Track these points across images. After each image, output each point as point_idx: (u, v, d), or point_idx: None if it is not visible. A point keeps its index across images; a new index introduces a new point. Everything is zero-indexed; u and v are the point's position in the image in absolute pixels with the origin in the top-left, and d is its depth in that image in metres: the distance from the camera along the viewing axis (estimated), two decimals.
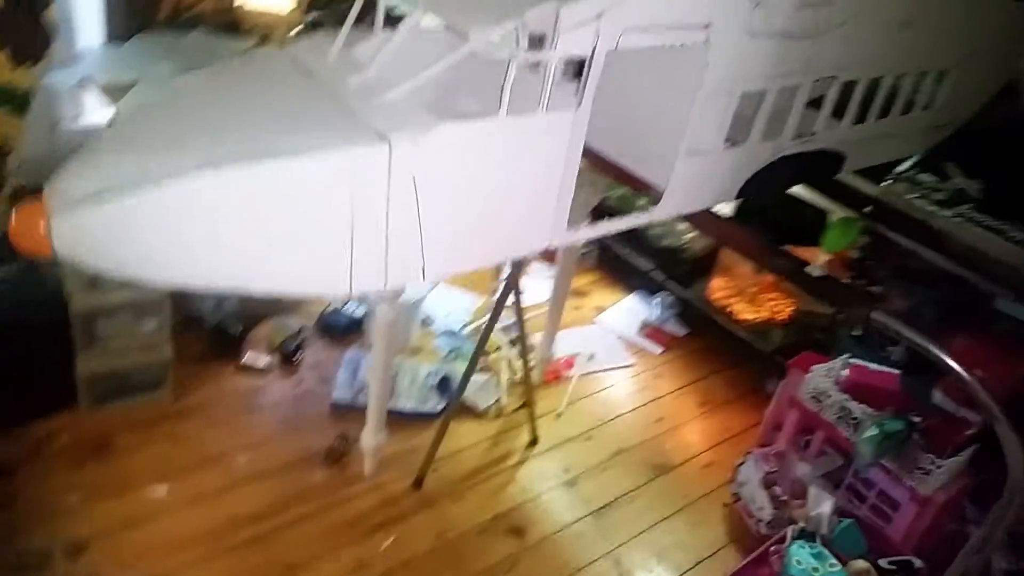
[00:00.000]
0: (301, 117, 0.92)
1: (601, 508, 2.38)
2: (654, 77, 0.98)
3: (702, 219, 1.22)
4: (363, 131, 0.88)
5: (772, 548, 1.88)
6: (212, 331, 2.70)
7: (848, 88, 1.20)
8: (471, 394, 2.66)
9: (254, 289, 1.03)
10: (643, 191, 1.15)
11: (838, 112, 1.19)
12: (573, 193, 1.01)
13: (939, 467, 2.01)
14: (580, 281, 3.35)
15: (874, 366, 2.29)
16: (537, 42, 0.91)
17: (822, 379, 2.29)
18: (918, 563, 1.85)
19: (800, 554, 1.79)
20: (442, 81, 1.03)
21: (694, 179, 1.08)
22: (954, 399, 2.41)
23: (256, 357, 2.68)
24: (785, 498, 2.26)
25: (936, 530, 2.08)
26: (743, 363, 2.97)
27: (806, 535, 1.86)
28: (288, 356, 2.71)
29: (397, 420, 2.46)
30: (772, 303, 3.09)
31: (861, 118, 1.31)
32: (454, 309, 3.07)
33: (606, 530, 2.31)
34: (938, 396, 2.44)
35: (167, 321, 2.39)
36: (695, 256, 3.22)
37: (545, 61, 0.93)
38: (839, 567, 1.77)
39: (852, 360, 2.30)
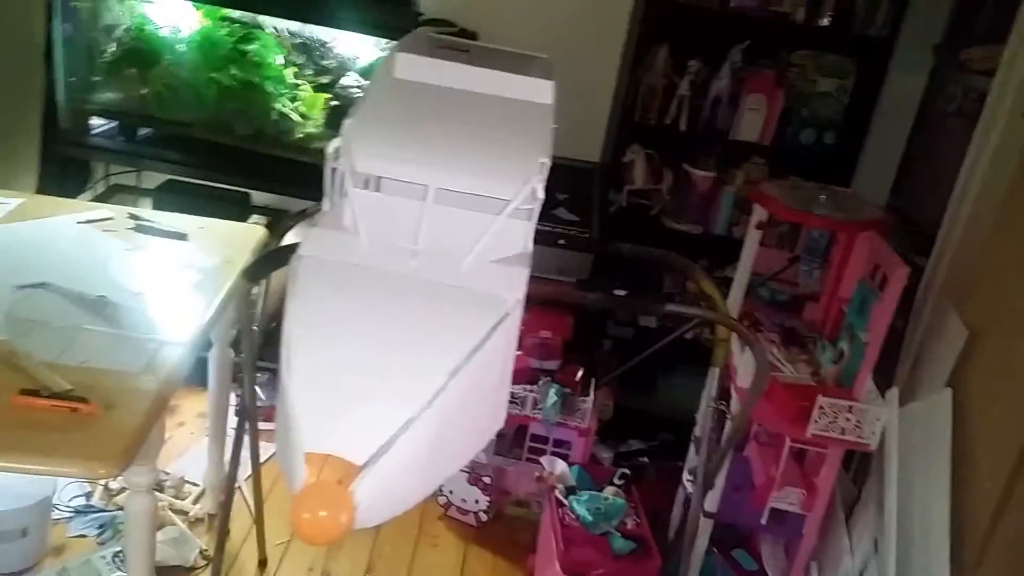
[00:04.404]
0: (437, 308, 1.06)
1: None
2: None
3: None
4: (497, 300, 1.09)
5: (560, 513, 2.33)
6: None
7: None
8: (169, 557, 2.38)
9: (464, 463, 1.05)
10: None
11: None
12: None
13: (586, 403, 2.76)
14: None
15: None
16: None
17: None
18: (628, 472, 2.55)
19: (581, 504, 2.30)
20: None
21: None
22: (537, 357, 3.22)
23: None
24: (492, 483, 2.75)
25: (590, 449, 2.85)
26: None
27: (570, 490, 2.38)
28: None
29: None
30: None
31: None
32: (62, 487, 2.58)
33: None
34: (535, 362, 3.22)
35: None
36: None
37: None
38: (611, 497, 2.34)
39: None
